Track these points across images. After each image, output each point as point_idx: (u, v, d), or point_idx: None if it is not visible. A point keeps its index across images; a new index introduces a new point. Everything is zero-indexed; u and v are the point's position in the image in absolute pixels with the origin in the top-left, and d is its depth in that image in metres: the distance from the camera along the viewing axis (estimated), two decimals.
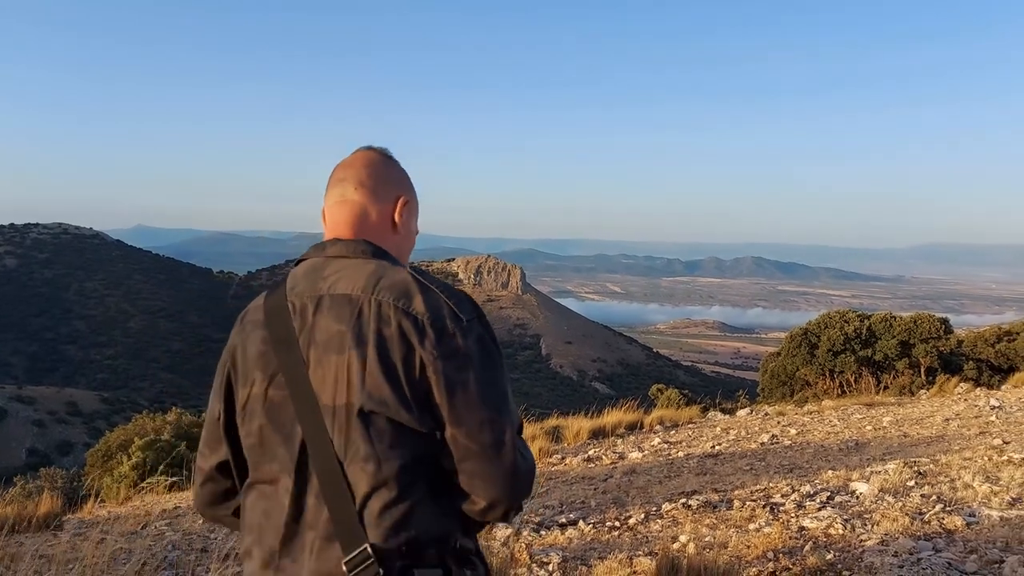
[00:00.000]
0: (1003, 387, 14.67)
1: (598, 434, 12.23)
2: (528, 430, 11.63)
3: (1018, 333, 16.67)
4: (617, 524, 6.38)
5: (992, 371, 16.17)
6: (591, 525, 6.27)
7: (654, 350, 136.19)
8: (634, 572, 4.73)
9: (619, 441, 11.69)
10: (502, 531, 5.58)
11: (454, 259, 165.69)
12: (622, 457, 10.16)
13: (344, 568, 1.23)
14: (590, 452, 10.61)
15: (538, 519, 6.54)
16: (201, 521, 7.28)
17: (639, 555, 5.07)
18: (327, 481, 1.26)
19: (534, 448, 10.58)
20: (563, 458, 10.35)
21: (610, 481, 8.60)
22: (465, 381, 1.29)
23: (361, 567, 1.22)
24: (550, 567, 4.86)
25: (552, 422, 13.02)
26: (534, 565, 4.91)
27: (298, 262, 1.46)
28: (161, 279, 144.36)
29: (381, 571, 1.22)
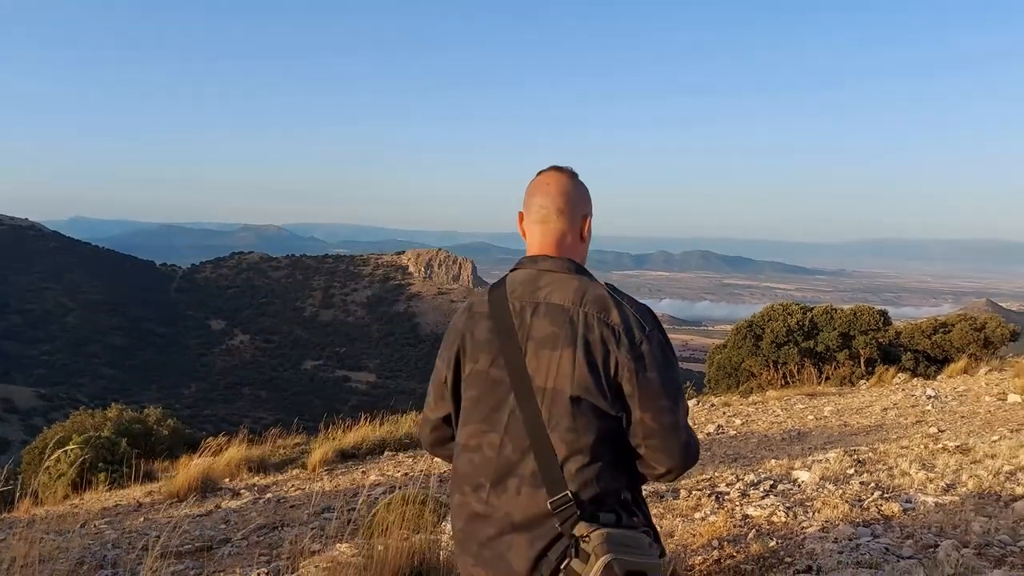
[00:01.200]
0: (939, 377, 15.17)
1: None
2: None
3: (953, 325, 17.24)
4: None
5: (928, 361, 16.70)
6: None
7: None
8: None
9: None
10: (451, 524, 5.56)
11: (404, 252, 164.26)
12: None
13: (550, 507, 1.65)
14: None
15: None
16: (142, 519, 7.14)
17: None
18: (536, 443, 1.68)
19: None
20: None
21: None
22: (651, 378, 1.70)
23: (563, 507, 1.64)
24: None
25: None
26: None
27: (513, 269, 1.92)
28: (101, 272, 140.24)
29: (577, 512, 1.64)
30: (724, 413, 12.55)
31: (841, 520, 5.36)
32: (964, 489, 6.17)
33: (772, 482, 6.92)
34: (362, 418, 12.33)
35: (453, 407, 1.91)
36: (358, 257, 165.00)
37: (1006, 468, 6.72)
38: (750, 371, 17.12)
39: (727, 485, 6.99)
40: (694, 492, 6.77)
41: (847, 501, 5.88)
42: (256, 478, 9.90)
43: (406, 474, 8.95)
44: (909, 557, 4.49)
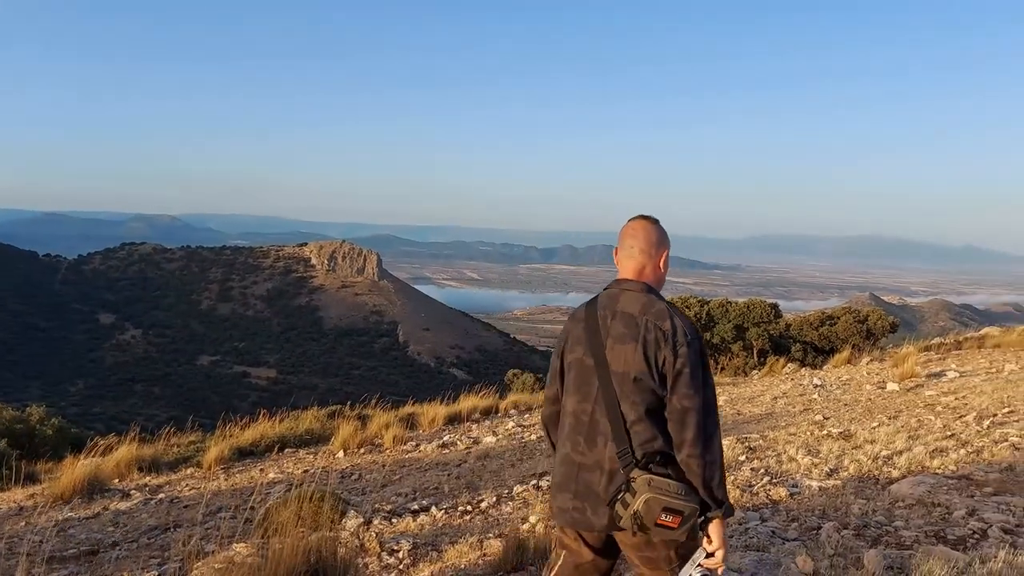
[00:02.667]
0: (825, 367, 15.97)
1: (454, 420, 12.28)
2: (382, 418, 11.51)
3: (839, 318, 18.19)
4: (469, 508, 6.42)
5: (816, 352, 17.56)
6: (444, 511, 6.28)
7: (512, 336, 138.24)
8: (484, 555, 4.78)
9: (474, 426, 11.78)
10: (352, 520, 5.48)
11: (306, 244, 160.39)
12: (476, 442, 10.25)
13: (617, 455, 2.31)
14: (445, 438, 10.64)
15: (390, 507, 6.48)
16: (23, 523, 6.79)
17: (489, 537, 5.13)
18: (611, 411, 2.35)
19: (388, 436, 10.48)
20: (417, 445, 10.32)
21: (464, 466, 8.66)
22: (683, 371, 2.31)
23: (624, 456, 2.30)
24: (400, 554, 4.83)
25: (408, 409, 12.95)
26: (384, 553, 4.86)
27: (606, 289, 2.58)
28: None
29: (633, 461, 2.29)
30: None
31: (732, 505, 5.59)
32: (846, 473, 6.53)
33: None
34: (261, 415, 12.02)
35: (560, 386, 2.59)
36: (258, 249, 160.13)
37: (884, 453, 7.14)
38: None
39: None
40: None
41: (738, 487, 6.13)
42: (148, 478, 9.51)
43: (306, 471, 8.77)
44: (794, 539, 4.72)
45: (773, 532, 4.83)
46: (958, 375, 12.12)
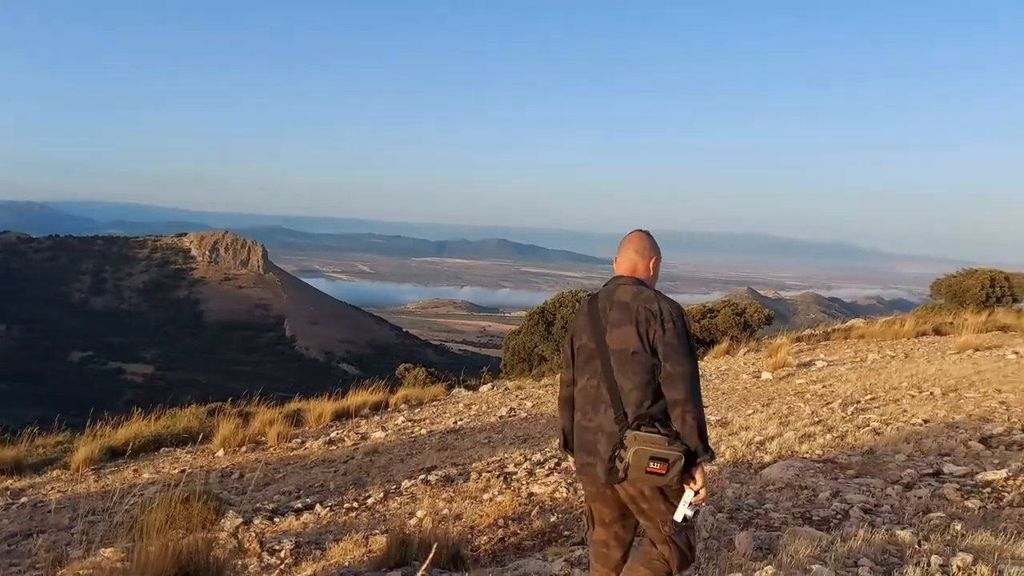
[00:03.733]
0: (705, 358, 16.62)
1: (342, 416, 12.04)
2: (266, 415, 11.16)
3: (719, 310, 18.96)
4: (356, 505, 6.32)
5: (698, 344, 18.25)
6: (328, 508, 6.15)
7: (404, 330, 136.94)
8: (369, 551, 4.71)
9: (363, 422, 11.60)
10: (231, 521, 5.28)
11: (186, 234, 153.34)
12: (365, 437, 10.10)
13: (614, 420, 2.73)
14: (332, 434, 10.42)
15: (272, 506, 6.29)
16: None
17: (375, 534, 5.05)
18: (610, 384, 2.78)
19: (272, 433, 10.18)
20: (303, 442, 10.06)
21: (351, 462, 8.51)
22: (671, 343, 2.72)
23: (619, 420, 2.71)
24: (282, 553, 4.69)
25: (294, 405, 12.60)
26: (264, 553, 4.71)
27: (606, 285, 3.01)
28: None
29: (627, 423, 2.70)
30: (517, 396, 12.96)
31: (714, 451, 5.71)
32: (722, 459, 6.81)
33: (557, 460, 7.24)
34: (136, 413, 11.43)
35: (572, 370, 3.01)
36: (133, 239, 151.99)
37: (757, 439, 7.50)
38: (542, 355, 17.82)
39: (515, 465, 7.23)
40: (484, 474, 6.94)
41: None
42: (9, 481, 8.88)
43: (184, 471, 8.40)
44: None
45: None
46: (826, 364, 12.87)
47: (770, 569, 3.41)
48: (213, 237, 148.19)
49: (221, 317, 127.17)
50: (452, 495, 6.31)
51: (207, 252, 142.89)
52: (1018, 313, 17.61)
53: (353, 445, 9.60)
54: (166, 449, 10.26)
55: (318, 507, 6.15)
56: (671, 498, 2.72)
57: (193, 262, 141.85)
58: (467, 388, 14.80)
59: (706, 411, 8.61)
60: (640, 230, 3.12)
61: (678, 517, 2.68)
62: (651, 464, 2.60)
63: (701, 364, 15.27)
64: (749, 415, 8.78)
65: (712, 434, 7.80)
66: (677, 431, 2.69)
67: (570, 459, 3.06)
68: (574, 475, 3.29)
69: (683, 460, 2.62)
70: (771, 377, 11.94)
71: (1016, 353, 12.60)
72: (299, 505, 6.26)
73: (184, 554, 3.36)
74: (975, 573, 3.58)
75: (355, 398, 12.75)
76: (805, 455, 6.70)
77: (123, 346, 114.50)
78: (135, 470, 9.03)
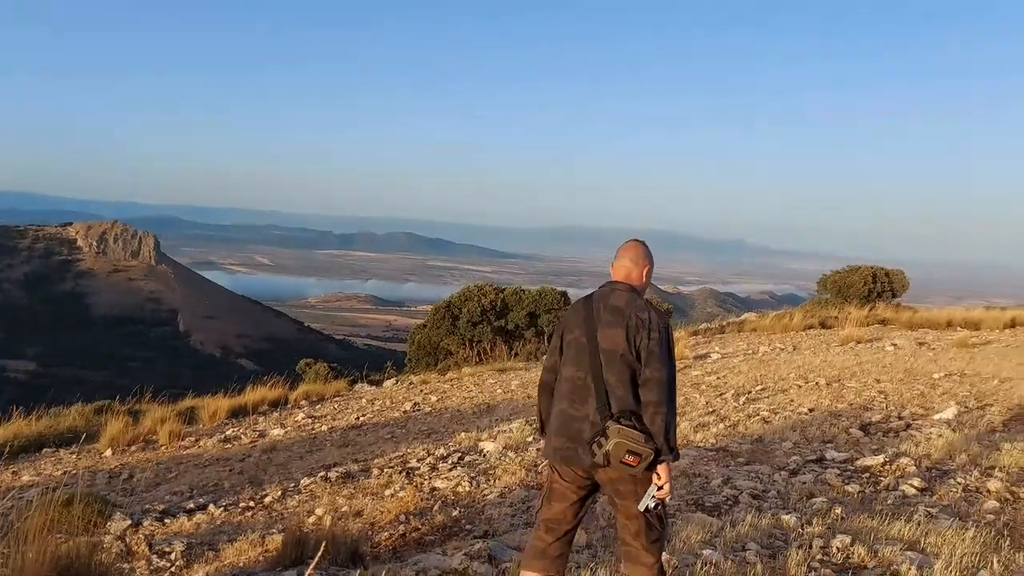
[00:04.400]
0: None
1: (239, 413, 11.66)
2: (158, 413, 10.70)
3: None
4: (252, 504, 6.15)
5: None
6: (223, 508, 5.95)
7: (305, 324, 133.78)
8: (266, 551, 4.59)
9: (261, 419, 11.29)
10: (117, 523, 5.04)
11: (71, 224, 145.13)
12: (263, 435, 9.83)
13: (597, 412, 2.94)
14: (228, 432, 10.09)
15: (163, 507, 6.04)
16: None
17: (272, 533, 4.93)
18: (596, 378, 2.98)
19: (164, 431, 9.78)
20: (197, 440, 9.70)
21: (248, 460, 8.27)
22: (654, 351, 2.94)
23: (603, 412, 2.92)
24: (172, 556, 4.51)
25: (188, 403, 12.12)
26: (154, 556, 4.52)
27: (601, 287, 3.21)
28: None
29: (610, 415, 2.91)
30: (422, 391, 12.89)
31: (518, 485, 5.77)
32: None
33: (460, 454, 7.25)
34: (14, 412, 10.76)
35: (559, 359, 3.19)
36: (13, 228, 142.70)
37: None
38: (448, 349, 17.76)
39: (418, 460, 7.19)
40: (386, 470, 6.87)
41: (524, 467, 6.34)
42: None
43: (67, 472, 7.98)
44: None
45: None
46: (721, 356, 13.36)
47: (664, 555, 3.51)
48: (101, 227, 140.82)
49: (110, 311, 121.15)
50: (353, 492, 6.22)
51: (94, 243, 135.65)
52: (897, 307, 18.76)
53: (250, 443, 9.34)
54: (49, 450, 9.70)
55: (212, 507, 5.95)
56: (641, 483, 2.98)
57: (79, 253, 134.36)
58: (370, 383, 14.61)
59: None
60: (636, 240, 3.34)
61: (641, 507, 2.96)
62: (627, 456, 2.85)
63: None
64: None
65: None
66: (648, 430, 2.93)
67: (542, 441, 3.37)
68: (544, 457, 3.44)
69: (653, 456, 2.87)
70: None
71: (894, 345, 13.42)
72: (192, 505, 6.04)
73: (64, 559, 3.18)
74: (852, 553, 3.80)
75: (253, 395, 12.38)
76: (699, 444, 6.94)
77: (3, 342, 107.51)
78: (14, 472, 8.51)
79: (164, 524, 5.50)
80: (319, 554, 2.44)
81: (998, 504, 4.72)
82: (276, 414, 11.64)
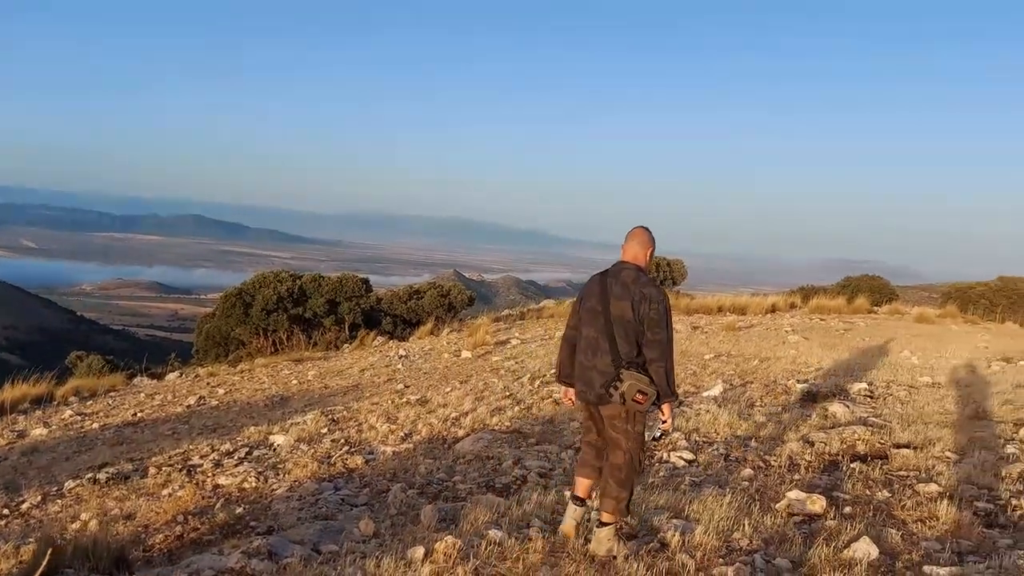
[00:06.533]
0: (411, 339, 16.94)
1: None
2: None
3: (425, 292, 19.39)
4: (7, 512, 5.53)
5: (405, 325, 18.51)
6: None
7: (79, 313, 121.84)
8: (20, 562, 4.13)
9: (21, 418, 10.18)
10: None
11: None
12: (23, 435, 8.86)
13: (611, 363, 3.73)
14: None
15: None
16: None
17: (29, 542, 4.45)
18: (608, 338, 3.76)
19: None
20: None
21: (4, 464, 7.44)
22: (655, 319, 3.67)
23: (617, 362, 3.71)
24: None
25: None
26: None
27: (613, 265, 3.91)
28: None
29: (623, 363, 3.71)
30: (208, 384, 12.18)
31: (309, 478, 5.61)
32: (419, 437, 6.98)
33: (248, 449, 6.92)
34: None
35: (578, 320, 3.91)
36: None
37: (453, 415, 7.80)
38: (240, 340, 16.90)
39: (201, 457, 6.79)
40: (164, 468, 6.42)
41: (317, 459, 6.18)
42: None
43: None
44: (363, 504, 4.89)
45: (343, 500, 4.95)
46: (520, 342, 13.77)
47: (450, 538, 3.56)
48: None
49: None
50: (126, 493, 5.76)
51: None
52: (676, 295, 20.26)
53: (8, 444, 8.39)
54: None
55: None
56: (637, 421, 3.73)
57: None
58: (151, 376, 13.62)
59: (408, 390, 8.90)
60: (643, 227, 4.02)
61: (654, 435, 3.84)
62: (637, 395, 3.61)
63: (406, 345, 15.59)
64: (448, 393, 9.11)
65: (411, 413, 7.97)
66: (652, 377, 3.69)
67: (561, 389, 4.15)
68: (570, 399, 4.05)
69: (656, 395, 3.64)
70: (471, 356, 12.48)
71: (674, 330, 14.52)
72: None
73: None
74: (625, 524, 4.05)
75: (13, 391, 11.13)
76: (495, 427, 7.11)
77: None
78: None
79: None
80: (45, 560, 2.22)
81: (752, 472, 5.23)
82: (40, 412, 10.54)
